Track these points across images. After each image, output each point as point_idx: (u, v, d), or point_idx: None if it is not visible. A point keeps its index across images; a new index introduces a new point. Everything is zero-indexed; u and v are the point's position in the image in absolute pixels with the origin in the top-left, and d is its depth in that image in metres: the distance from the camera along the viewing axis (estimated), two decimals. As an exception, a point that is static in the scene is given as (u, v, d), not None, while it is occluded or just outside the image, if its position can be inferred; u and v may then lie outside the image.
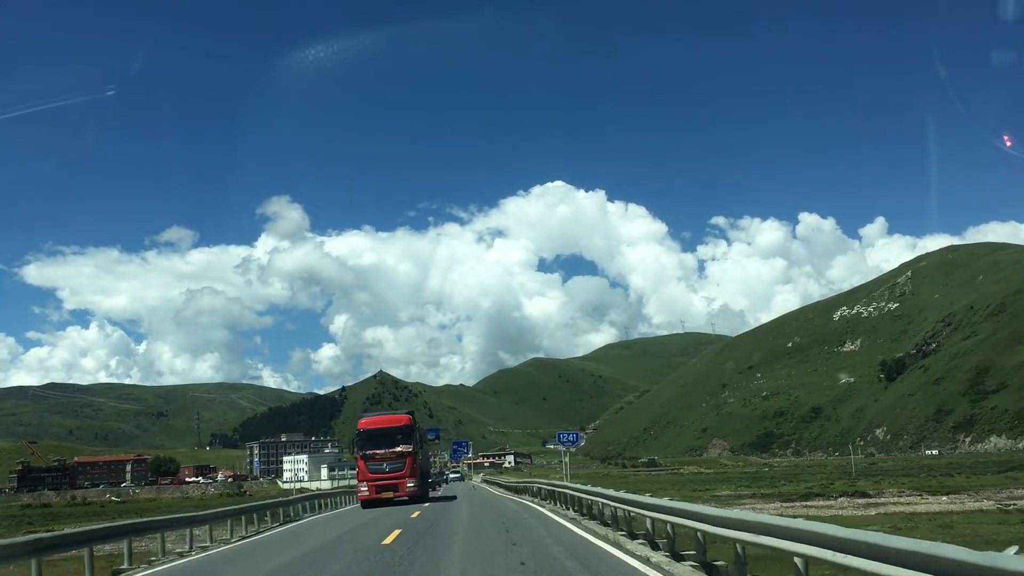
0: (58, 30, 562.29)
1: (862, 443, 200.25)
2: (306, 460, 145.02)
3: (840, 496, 34.52)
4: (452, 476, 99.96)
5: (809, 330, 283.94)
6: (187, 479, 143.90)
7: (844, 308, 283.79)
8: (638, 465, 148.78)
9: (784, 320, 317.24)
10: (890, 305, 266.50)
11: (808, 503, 32.03)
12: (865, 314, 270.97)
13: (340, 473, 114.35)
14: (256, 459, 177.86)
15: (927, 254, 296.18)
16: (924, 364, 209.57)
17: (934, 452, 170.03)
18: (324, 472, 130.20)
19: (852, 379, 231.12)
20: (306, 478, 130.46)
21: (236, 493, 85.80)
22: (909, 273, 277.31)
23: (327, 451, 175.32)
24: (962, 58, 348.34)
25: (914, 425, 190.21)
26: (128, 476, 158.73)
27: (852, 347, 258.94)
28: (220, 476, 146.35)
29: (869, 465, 79.24)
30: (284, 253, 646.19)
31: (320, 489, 69.60)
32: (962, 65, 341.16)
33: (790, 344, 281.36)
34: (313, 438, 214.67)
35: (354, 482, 42.66)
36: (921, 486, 39.16)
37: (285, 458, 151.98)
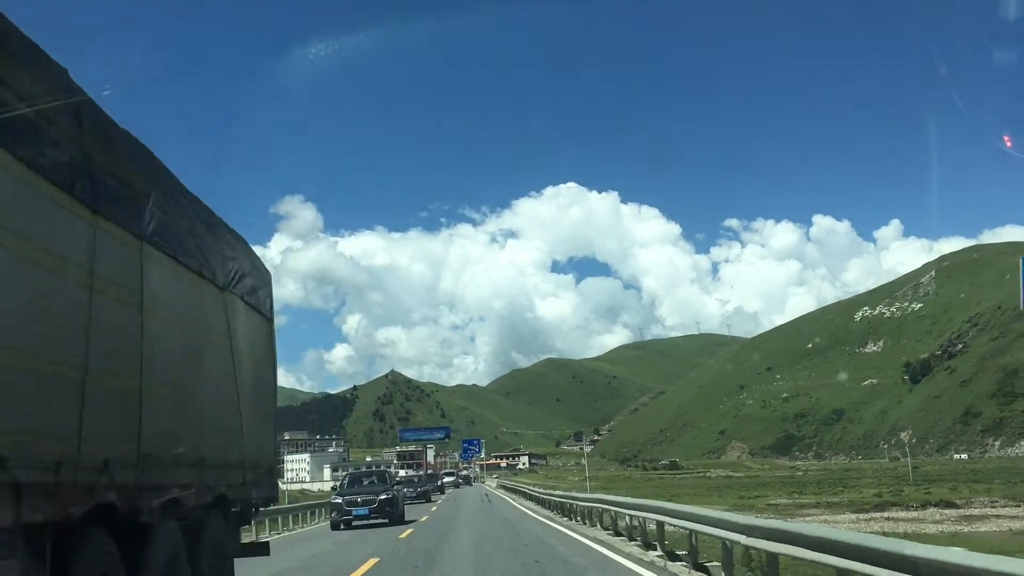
0: (62, 26, 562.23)
1: (886, 446, 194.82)
2: (308, 459, 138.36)
3: (922, 506, 29.80)
4: (448, 481, 71.26)
5: (829, 330, 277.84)
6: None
7: (866, 308, 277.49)
8: (659, 468, 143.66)
9: (803, 320, 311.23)
10: (913, 305, 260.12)
11: (888, 515, 27.31)
12: (888, 314, 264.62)
13: (345, 474, 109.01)
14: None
15: (951, 254, 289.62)
16: (950, 365, 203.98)
17: (963, 456, 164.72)
18: (327, 473, 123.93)
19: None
20: (308, 479, 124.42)
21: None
22: (933, 273, 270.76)
23: (331, 450, 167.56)
24: (963, 59, 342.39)
25: (940, 428, 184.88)
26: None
27: (875, 348, 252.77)
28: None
29: (912, 469, 74.19)
30: (297, 253, 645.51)
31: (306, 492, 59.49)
32: (963, 66, 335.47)
33: (810, 345, 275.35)
34: (318, 436, 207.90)
35: None
36: (1013, 495, 34.26)
37: (286, 457, 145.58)
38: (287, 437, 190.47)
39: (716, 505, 29.65)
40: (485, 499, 45.66)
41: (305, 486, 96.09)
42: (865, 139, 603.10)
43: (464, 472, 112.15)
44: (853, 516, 26.31)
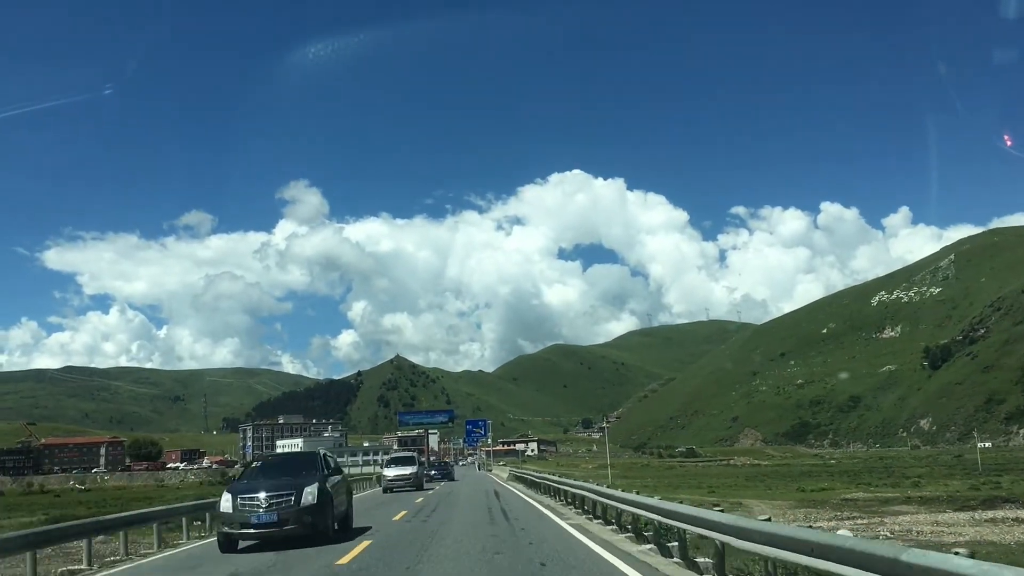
0: (67, 21, 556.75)
1: (905, 434, 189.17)
2: (300, 444, 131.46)
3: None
4: (396, 478, 38.03)
5: (845, 316, 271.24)
6: (170, 464, 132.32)
7: (883, 293, 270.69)
8: (676, 455, 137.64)
9: (818, 306, 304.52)
10: (932, 290, 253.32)
11: (1013, 514, 21.56)
12: (906, 299, 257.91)
13: (339, 461, 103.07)
14: (249, 443, 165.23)
15: (970, 237, 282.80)
16: (972, 351, 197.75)
17: (986, 444, 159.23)
18: None
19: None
20: None
21: (219, 481, 75.98)
22: (952, 256, 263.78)
23: (327, 435, 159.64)
24: (964, 57, 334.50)
25: (962, 415, 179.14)
26: (102, 460, 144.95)
27: (892, 333, 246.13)
28: (205, 462, 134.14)
29: (955, 458, 68.31)
30: (302, 239, 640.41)
31: None
32: (964, 63, 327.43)
33: (825, 330, 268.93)
34: (314, 420, 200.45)
35: (355, 471, 34.74)
36: None
37: (278, 442, 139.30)
38: (281, 421, 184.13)
39: (778, 500, 24.46)
40: (496, 507, 22.77)
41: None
42: (873, 127, 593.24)
43: (470, 459, 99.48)
44: (964, 515, 20.70)
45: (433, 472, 54.20)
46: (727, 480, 44.89)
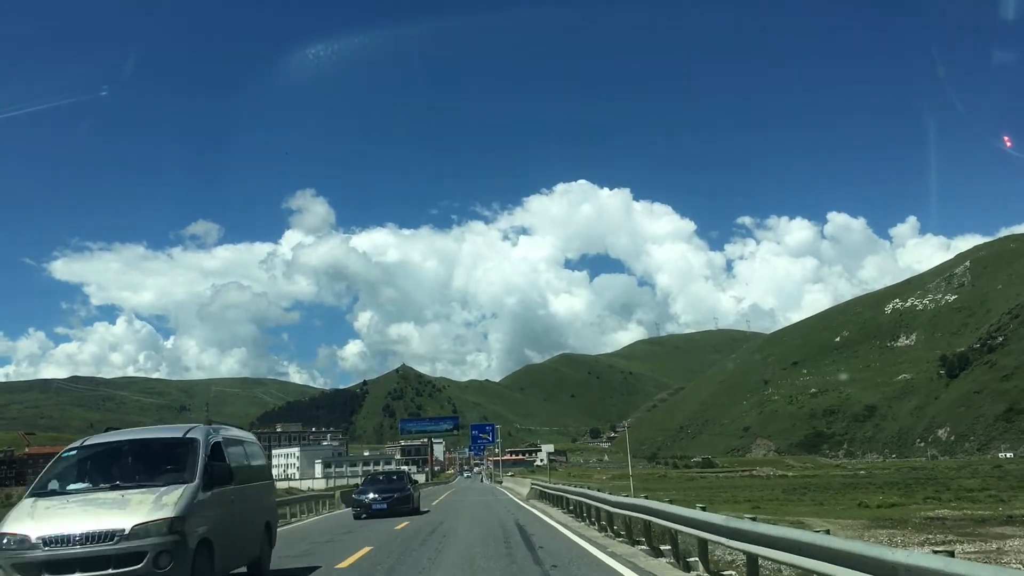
0: (70, 26, 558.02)
1: (922, 444, 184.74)
2: (297, 454, 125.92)
3: None
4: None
5: (859, 324, 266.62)
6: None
7: (896, 300, 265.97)
8: (691, 465, 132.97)
9: (830, 314, 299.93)
10: (947, 297, 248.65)
11: None
12: (920, 306, 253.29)
13: (338, 471, 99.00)
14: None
15: (987, 243, 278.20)
16: (990, 359, 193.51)
17: (1008, 455, 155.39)
18: (318, 469, 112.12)
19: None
20: (297, 475, 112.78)
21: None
22: (967, 263, 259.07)
23: (325, 443, 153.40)
24: (965, 60, 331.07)
25: (982, 425, 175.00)
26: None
27: (907, 341, 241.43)
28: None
29: (995, 468, 64.15)
30: (309, 248, 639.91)
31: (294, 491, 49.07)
32: (965, 67, 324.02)
33: (838, 338, 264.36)
34: (313, 429, 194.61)
35: (354, 482, 31.99)
36: None
37: (275, 451, 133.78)
38: (279, 429, 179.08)
39: (843, 518, 20.92)
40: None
41: (293, 483, 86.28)
42: (880, 136, 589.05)
43: (476, 469, 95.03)
44: None
45: (371, 496, 26.45)
46: (762, 493, 40.89)
